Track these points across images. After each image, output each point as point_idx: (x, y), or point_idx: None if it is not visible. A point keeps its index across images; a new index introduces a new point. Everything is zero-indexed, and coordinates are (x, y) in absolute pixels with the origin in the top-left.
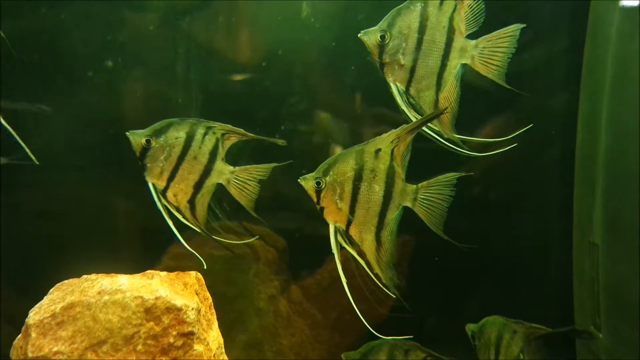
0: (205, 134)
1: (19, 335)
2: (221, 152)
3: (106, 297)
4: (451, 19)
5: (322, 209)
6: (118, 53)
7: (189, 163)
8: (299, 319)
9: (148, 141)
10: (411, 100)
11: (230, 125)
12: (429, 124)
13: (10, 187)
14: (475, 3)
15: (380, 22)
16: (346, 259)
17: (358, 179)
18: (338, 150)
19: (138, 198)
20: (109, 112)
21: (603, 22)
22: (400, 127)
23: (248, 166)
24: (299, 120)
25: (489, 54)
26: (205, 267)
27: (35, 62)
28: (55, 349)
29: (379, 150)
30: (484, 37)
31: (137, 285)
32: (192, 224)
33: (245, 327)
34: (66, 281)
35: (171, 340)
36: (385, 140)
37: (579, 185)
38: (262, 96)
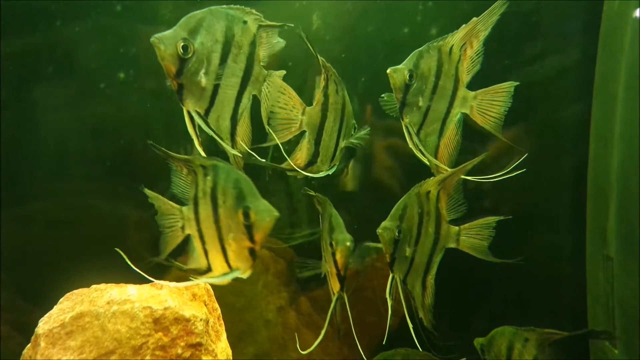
0: None
1: (29, 345)
2: None
3: (115, 307)
4: (456, 68)
5: (393, 260)
6: (130, 65)
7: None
8: (307, 331)
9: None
10: (419, 143)
11: None
12: (423, 156)
13: (21, 197)
14: (476, 55)
15: (406, 61)
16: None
17: (420, 223)
18: (349, 162)
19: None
20: (121, 123)
21: (615, 34)
22: (449, 171)
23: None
24: None
25: (487, 106)
26: None
27: (49, 74)
28: (64, 358)
29: (428, 192)
30: (482, 90)
31: (146, 295)
32: None
33: (254, 338)
34: (76, 291)
35: (179, 351)
36: (434, 183)
37: (593, 197)
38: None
